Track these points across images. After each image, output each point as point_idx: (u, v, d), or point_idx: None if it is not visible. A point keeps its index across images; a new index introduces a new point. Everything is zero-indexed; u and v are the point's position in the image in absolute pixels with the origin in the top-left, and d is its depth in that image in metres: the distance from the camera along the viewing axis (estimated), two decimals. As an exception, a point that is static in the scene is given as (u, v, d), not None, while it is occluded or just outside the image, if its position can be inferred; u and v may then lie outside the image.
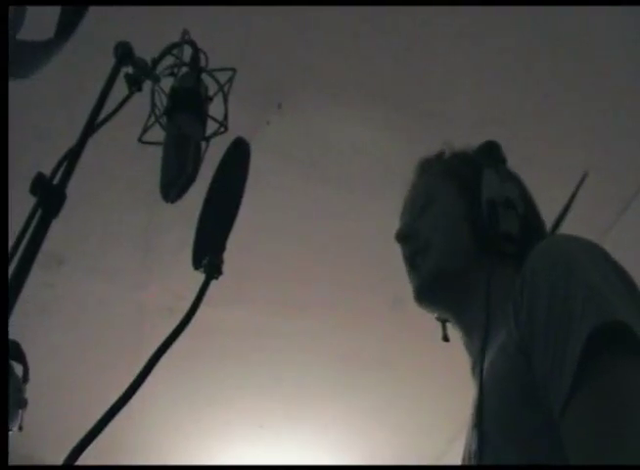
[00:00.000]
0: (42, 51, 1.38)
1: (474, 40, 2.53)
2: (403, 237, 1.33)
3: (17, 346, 1.53)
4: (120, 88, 1.16)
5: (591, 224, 2.94)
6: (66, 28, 1.35)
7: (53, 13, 1.39)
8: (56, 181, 0.97)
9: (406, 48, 2.53)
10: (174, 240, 2.78)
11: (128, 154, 2.58)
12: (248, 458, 3.75)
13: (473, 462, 1.07)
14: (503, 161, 1.33)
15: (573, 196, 1.27)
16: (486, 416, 1.04)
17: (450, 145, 1.40)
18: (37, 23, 1.37)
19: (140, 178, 2.64)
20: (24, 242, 0.93)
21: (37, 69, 1.42)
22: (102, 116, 1.08)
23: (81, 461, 0.87)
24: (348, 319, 3.24)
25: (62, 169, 0.98)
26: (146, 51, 1.22)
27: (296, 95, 2.63)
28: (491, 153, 1.33)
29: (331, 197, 2.90)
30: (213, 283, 1.02)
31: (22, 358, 1.55)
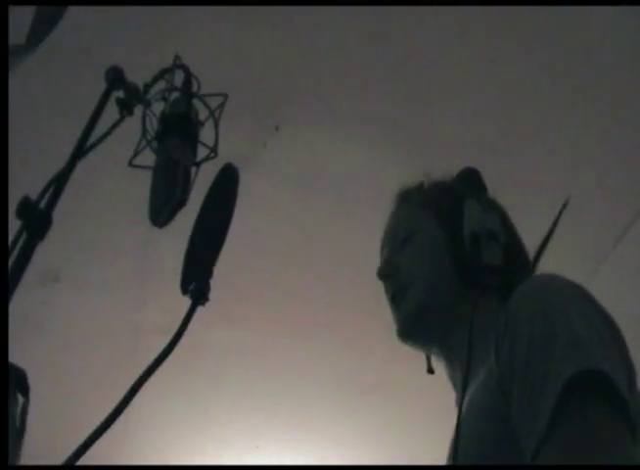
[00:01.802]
0: (12, 57, 1.39)
1: (473, 62, 2.54)
2: (386, 276, 1.31)
3: (23, 376, 1.43)
4: (112, 112, 1.17)
5: (590, 248, 2.94)
6: (37, 36, 1.35)
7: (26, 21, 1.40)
8: (43, 205, 0.97)
9: (403, 69, 2.54)
10: (171, 259, 2.76)
11: (126, 172, 2.58)
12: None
13: None
14: (484, 189, 1.31)
15: (556, 222, 1.25)
16: (461, 453, 1.03)
17: (429, 175, 1.39)
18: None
19: (137, 197, 2.64)
20: (10, 265, 0.93)
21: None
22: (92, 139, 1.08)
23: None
24: (346, 340, 3.23)
25: (49, 193, 0.98)
26: (140, 75, 1.23)
27: (292, 117, 2.64)
28: (471, 181, 1.32)
29: (328, 218, 2.90)
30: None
31: (25, 390, 1.47)
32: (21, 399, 1.36)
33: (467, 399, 1.09)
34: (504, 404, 0.98)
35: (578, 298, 1.04)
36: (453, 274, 1.23)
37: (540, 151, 2.72)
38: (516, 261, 1.23)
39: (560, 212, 1.25)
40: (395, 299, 1.29)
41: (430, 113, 2.64)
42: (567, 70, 2.53)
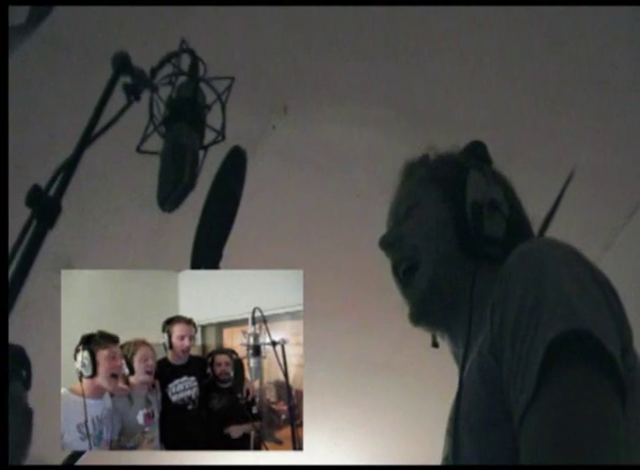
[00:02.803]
0: (12, 35, 1.39)
1: (476, 43, 2.52)
2: (387, 244, 1.29)
3: (22, 351, 1.50)
4: (119, 98, 1.17)
5: (602, 224, 2.93)
6: (37, 16, 1.35)
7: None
8: (52, 193, 0.97)
9: (411, 52, 2.53)
10: (183, 244, 2.78)
11: (138, 158, 2.58)
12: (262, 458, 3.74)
13: None
14: (489, 161, 1.30)
15: (561, 195, 1.24)
16: (461, 421, 1.02)
17: (434, 147, 1.37)
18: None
19: (145, 182, 2.64)
20: (20, 252, 0.94)
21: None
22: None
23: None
24: (358, 324, 3.24)
25: (58, 181, 0.98)
26: (146, 59, 1.23)
27: (301, 99, 2.63)
28: (476, 153, 1.30)
29: (336, 200, 2.89)
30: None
31: (26, 365, 1.53)
32: (24, 372, 1.43)
33: (466, 368, 1.08)
34: (497, 369, 0.97)
35: (571, 260, 1.02)
36: (456, 246, 1.21)
37: (548, 128, 2.71)
38: (519, 233, 1.21)
39: (566, 183, 1.24)
40: (398, 270, 1.27)
41: (436, 93, 2.63)
42: (571, 46, 2.52)
